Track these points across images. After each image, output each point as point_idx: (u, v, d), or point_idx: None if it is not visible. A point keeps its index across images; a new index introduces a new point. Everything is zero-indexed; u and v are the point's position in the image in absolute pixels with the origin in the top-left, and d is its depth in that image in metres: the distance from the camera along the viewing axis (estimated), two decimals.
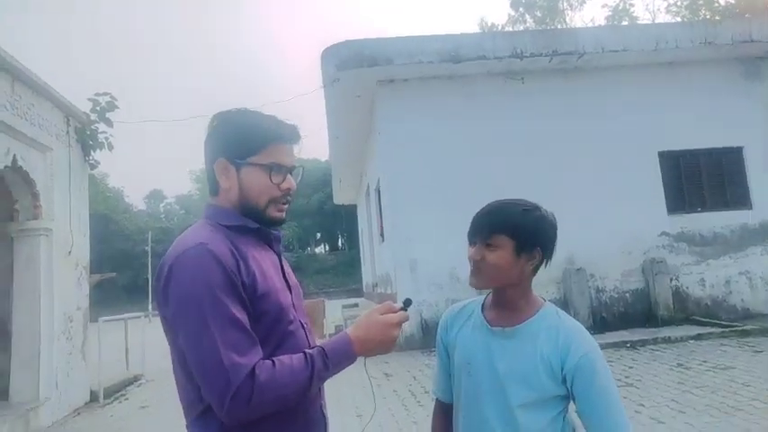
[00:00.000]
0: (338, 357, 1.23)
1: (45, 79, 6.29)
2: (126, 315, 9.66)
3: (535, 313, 1.40)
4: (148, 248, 38.14)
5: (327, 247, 59.46)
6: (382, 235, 11.94)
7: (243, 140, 1.33)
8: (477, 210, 1.45)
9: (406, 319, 1.32)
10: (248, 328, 1.18)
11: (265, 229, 1.37)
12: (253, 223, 1.34)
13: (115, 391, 7.81)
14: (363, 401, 5.77)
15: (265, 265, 1.31)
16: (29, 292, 6.16)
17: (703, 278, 9.55)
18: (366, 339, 1.27)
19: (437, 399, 1.62)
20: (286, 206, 1.39)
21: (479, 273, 1.39)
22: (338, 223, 48.56)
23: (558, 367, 1.33)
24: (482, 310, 1.48)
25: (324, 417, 1.39)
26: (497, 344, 1.40)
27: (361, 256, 21.02)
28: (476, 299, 1.55)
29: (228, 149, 1.33)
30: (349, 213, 30.21)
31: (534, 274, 1.43)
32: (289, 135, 1.37)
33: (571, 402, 1.38)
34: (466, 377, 1.44)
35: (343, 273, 42.58)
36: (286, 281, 1.38)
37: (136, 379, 8.80)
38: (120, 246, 38.30)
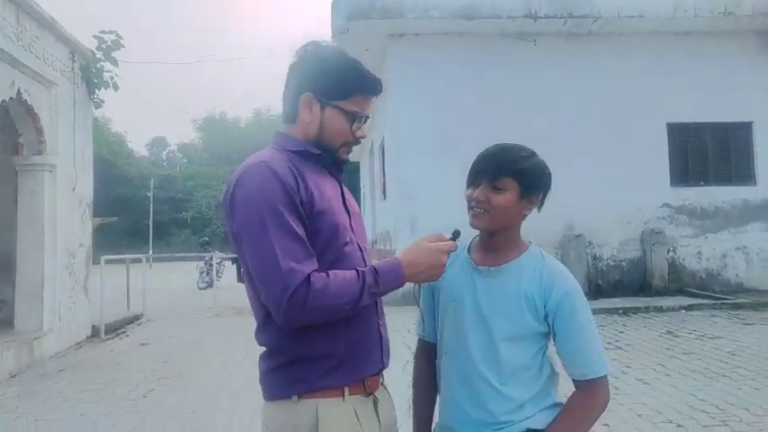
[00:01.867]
0: (388, 276, 1.27)
1: (51, 13, 6.19)
2: (128, 256, 9.78)
3: (521, 254, 1.43)
4: (150, 195, 38.19)
5: None
6: (384, 192, 11.96)
7: (334, 83, 1.37)
8: None
9: (455, 248, 1.34)
10: (305, 240, 1.25)
11: (327, 155, 1.42)
12: (314, 149, 1.40)
13: (116, 329, 7.99)
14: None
15: (323, 187, 1.36)
16: (33, 226, 6.24)
17: (700, 251, 9.62)
18: (415, 263, 1.30)
19: (421, 339, 1.63)
20: (351, 149, 1.47)
21: (484, 214, 1.40)
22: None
23: (540, 304, 1.36)
24: (468, 252, 1.50)
25: (381, 336, 1.42)
26: (482, 282, 1.43)
27: (362, 212, 21.07)
28: (463, 241, 1.53)
29: (318, 86, 1.37)
30: (351, 171, 30.12)
31: (524, 219, 1.46)
32: (375, 88, 1.43)
33: (551, 342, 1.42)
34: (451, 315, 1.47)
35: None
36: (345, 206, 1.44)
37: (136, 318, 8.99)
38: (121, 191, 38.30)
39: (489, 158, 1.42)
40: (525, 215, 1.44)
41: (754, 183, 9.78)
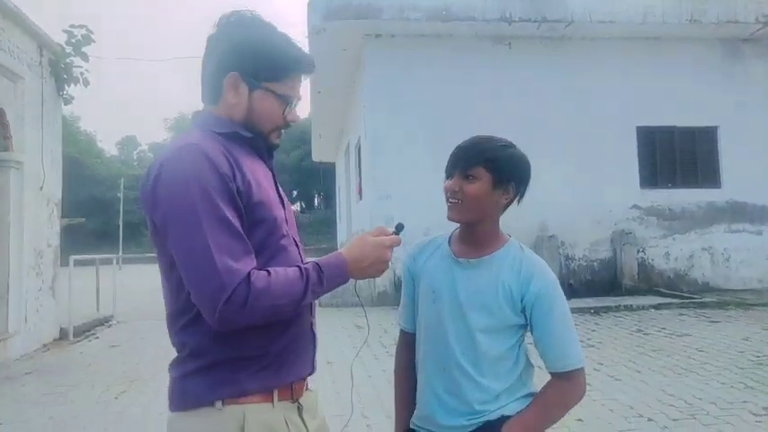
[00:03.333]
0: (332, 273, 1.20)
1: (18, 4, 6.02)
2: (97, 256, 9.57)
3: (500, 247, 1.44)
4: (120, 195, 37.46)
5: (304, 205, 59.25)
6: (360, 193, 11.95)
7: (265, 63, 1.26)
8: None
9: (398, 242, 1.30)
10: (243, 234, 1.13)
11: (260, 139, 1.31)
12: (246, 132, 1.28)
13: (85, 331, 7.80)
14: (333, 349, 5.90)
15: (258, 175, 1.25)
16: None
17: (668, 252, 9.87)
18: (359, 259, 1.24)
19: (402, 330, 1.64)
20: (282, 132, 1.36)
21: (459, 205, 1.42)
22: (315, 182, 48.24)
23: (518, 296, 1.38)
24: (449, 244, 1.52)
25: (314, 335, 1.36)
26: (462, 273, 1.44)
27: (337, 214, 21.06)
28: (443, 233, 1.58)
29: (246, 66, 1.25)
30: (326, 172, 30.03)
31: (503, 212, 1.48)
32: (307, 67, 1.32)
33: (528, 334, 1.43)
34: (430, 305, 1.48)
35: (318, 231, 42.57)
36: (280, 196, 1.33)
37: (106, 320, 8.80)
38: (91, 191, 37.47)
39: (462, 149, 1.44)
40: (503, 206, 1.45)
41: (719, 185, 10.08)
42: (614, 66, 9.91)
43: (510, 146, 1.46)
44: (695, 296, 8.75)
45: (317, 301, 1.37)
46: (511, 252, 1.44)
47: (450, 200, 1.43)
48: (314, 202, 58.24)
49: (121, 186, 37.80)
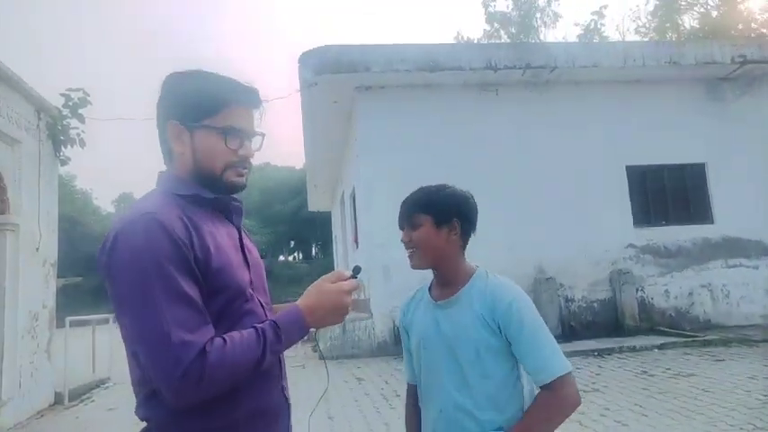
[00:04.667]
0: (290, 328, 1.16)
1: (17, 71, 6.18)
2: (93, 317, 9.44)
3: (468, 280, 1.52)
4: None
5: (301, 255, 59.04)
6: (356, 241, 11.96)
7: (197, 101, 1.23)
8: None
9: (357, 286, 1.29)
10: (199, 304, 1.09)
11: (223, 198, 1.28)
12: (208, 193, 1.25)
13: (81, 394, 7.62)
14: (335, 403, 5.77)
15: (221, 238, 1.21)
16: None
17: (668, 289, 9.83)
18: (317, 307, 1.21)
19: (407, 383, 1.70)
20: (246, 171, 1.29)
21: (415, 252, 1.53)
22: (312, 231, 48.26)
23: (491, 321, 1.43)
24: (429, 292, 1.61)
25: (286, 400, 1.31)
26: (442, 314, 1.52)
27: (335, 263, 20.97)
28: (423, 286, 1.68)
29: (181, 111, 1.23)
30: (323, 221, 30.12)
31: (463, 247, 1.57)
32: (248, 98, 1.28)
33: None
34: (423, 351, 1.55)
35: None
36: (245, 257, 1.29)
37: (102, 382, 8.60)
38: (86, 249, 37.25)
39: (404, 203, 1.59)
40: (458, 242, 1.53)
41: (712, 221, 10.16)
42: (599, 108, 10.16)
43: (444, 187, 1.60)
44: (698, 334, 8.66)
45: (287, 364, 1.35)
46: (479, 281, 1.51)
47: (407, 250, 1.55)
48: (311, 251, 58.10)
49: None
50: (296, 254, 59.89)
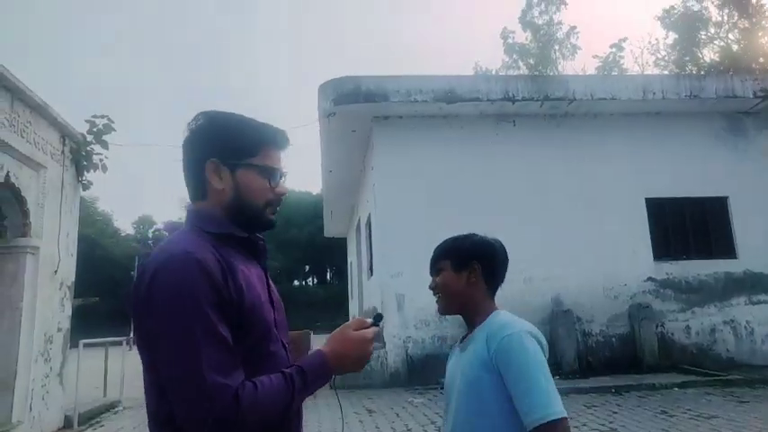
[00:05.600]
0: (315, 374, 1.19)
1: (44, 97, 6.36)
2: (107, 339, 9.49)
3: (483, 321, 1.54)
4: (134, 274, 37.55)
5: (316, 281, 59.01)
6: (371, 269, 11.93)
7: (237, 141, 1.28)
8: None
9: (379, 333, 1.33)
10: (232, 346, 1.11)
11: (254, 238, 1.32)
12: (241, 232, 1.28)
13: (90, 418, 7.59)
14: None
15: (252, 278, 1.24)
16: (10, 311, 6.06)
17: (689, 325, 9.59)
18: (342, 355, 1.23)
19: None
20: (278, 209, 1.35)
21: (441, 298, 1.59)
22: (328, 257, 48.34)
23: (487, 356, 1.42)
24: (462, 339, 1.65)
25: None
26: (461, 357, 1.56)
27: (349, 290, 20.91)
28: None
29: (222, 150, 1.27)
30: (339, 247, 30.13)
31: (490, 290, 1.59)
32: (281, 140, 1.35)
33: None
34: (447, 400, 1.59)
35: (332, 307, 42.11)
36: (271, 298, 1.31)
37: (113, 406, 8.58)
38: (105, 271, 37.75)
39: (432, 253, 1.66)
40: (479, 285, 1.56)
41: (735, 256, 9.94)
42: (618, 140, 10.10)
43: (470, 235, 1.66)
44: (720, 373, 8.39)
45: (303, 405, 1.33)
46: (488, 322, 1.52)
47: (435, 296, 1.61)
48: (326, 276, 58.06)
49: (135, 266, 38.00)
50: (311, 278, 59.90)
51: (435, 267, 1.62)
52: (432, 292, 1.63)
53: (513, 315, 1.54)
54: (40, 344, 6.47)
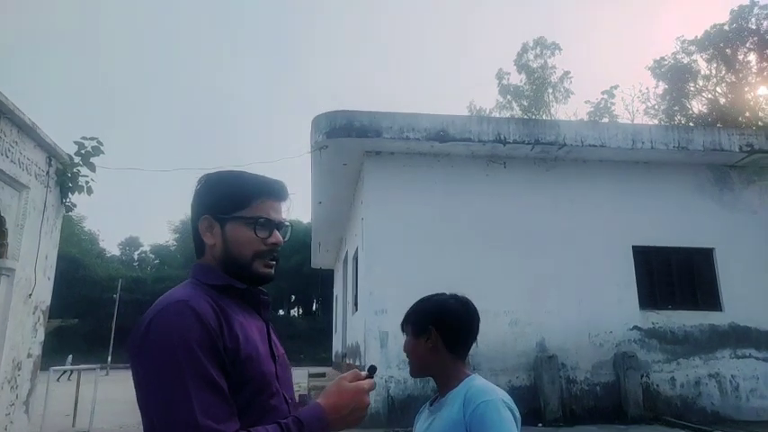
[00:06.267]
0: (312, 427, 1.17)
1: (32, 117, 6.31)
2: (80, 366, 9.22)
3: (456, 386, 1.55)
4: (117, 296, 36.99)
5: (301, 311, 58.35)
6: (356, 305, 11.78)
7: (228, 196, 1.32)
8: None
9: (374, 386, 1.30)
10: (227, 393, 1.11)
11: (253, 290, 1.33)
12: (239, 283, 1.30)
13: None
14: None
15: (250, 329, 1.25)
16: None
17: (674, 377, 9.48)
18: (339, 407, 1.22)
19: None
20: (274, 263, 1.35)
21: (409, 359, 1.62)
22: (314, 288, 47.91)
23: (462, 420, 1.44)
24: (431, 403, 1.66)
25: None
26: (432, 419, 1.56)
27: (333, 323, 20.65)
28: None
29: (213, 206, 1.32)
30: (326, 278, 29.89)
31: (456, 352, 1.59)
32: (275, 191, 1.36)
33: None
34: None
35: (316, 339, 41.52)
36: (272, 351, 1.31)
37: None
38: (86, 292, 37.08)
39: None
40: (440, 350, 1.57)
41: (721, 308, 9.92)
42: (607, 187, 10.18)
43: (434, 296, 1.65)
44: (705, 428, 8.24)
45: None
46: (464, 386, 1.52)
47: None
48: (312, 307, 57.44)
49: (118, 288, 37.42)
50: (296, 309, 59.23)
51: (403, 330, 1.64)
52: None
53: (488, 382, 1.54)
54: (8, 370, 6.25)
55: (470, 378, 1.55)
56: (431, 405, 1.62)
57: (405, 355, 1.64)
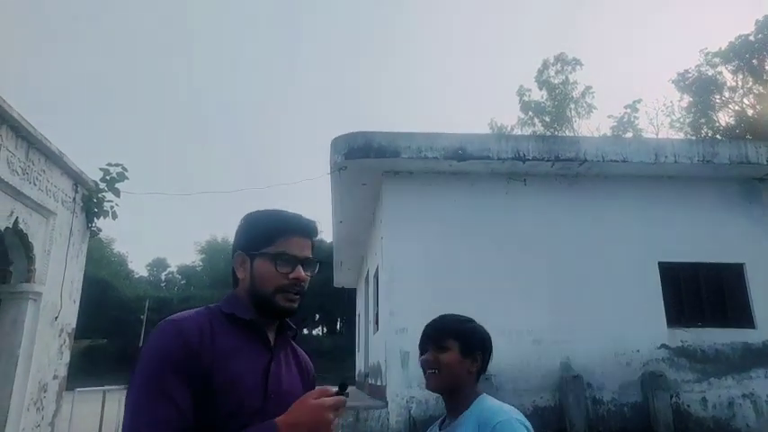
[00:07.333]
0: None
1: (58, 144, 6.53)
2: (104, 387, 9.36)
3: (469, 406, 1.58)
4: (144, 317, 37.57)
5: (325, 330, 58.31)
6: (377, 324, 11.74)
7: (258, 234, 1.41)
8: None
9: (343, 403, 1.27)
10: (183, 408, 1.17)
11: (256, 322, 1.37)
12: (247, 314, 1.37)
13: None
14: None
15: (242, 359, 1.29)
16: (7, 357, 6.02)
17: (705, 397, 9.17)
18: (296, 423, 1.21)
19: None
20: (297, 296, 1.40)
21: (435, 375, 1.61)
22: (338, 306, 47.91)
23: None
24: (441, 424, 1.69)
25: None
26: None
27: (356, 343, 20.58)
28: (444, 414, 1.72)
29: (246, 243, 1.42)
30: (349, 297, 29.90)
31: (477, 380, 1.65)
32: (300, 228, 1.43)
33: None
34: None
35: (341, 358, 41.38)
36: (266, 386, 1.32)
37: None
38: (115, 312, 37.70)
39: (432, 325, 1.68)
40: (474, 375, 1.62)
41: (753, 326, 9.59)
42: (630, 202, 10.00)
43: (471, 320, 1.70)
44: None
45: None
46: (476, 406, 1.55)
47: (428, 371, 1.63)
48: (336, 326, 57.38)
49: (146, 308, 38.02)
50: (321, 328, 59.22)
51: (439, 344, 1.62)
52: (423, 364, 1.64)
53: (498, 401, 1.59)
54: (34, 392, 6.38)
55: (481, 398, 1.59)
56: (440, 426, 1.64)
57: (424, 368, 1.66)
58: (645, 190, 10.08)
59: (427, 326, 1.70)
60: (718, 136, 17.63)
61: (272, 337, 1.42)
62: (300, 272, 1.39)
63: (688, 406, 9.11)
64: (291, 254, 1.38)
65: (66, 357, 7.24)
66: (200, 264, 52.49)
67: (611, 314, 9.29)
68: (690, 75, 20.10)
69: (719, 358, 9.37)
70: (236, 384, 1.24)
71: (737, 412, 9.11)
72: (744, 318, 9.68)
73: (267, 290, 1.37)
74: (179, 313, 1.32)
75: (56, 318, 6.79)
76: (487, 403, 1.56)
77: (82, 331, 7.63)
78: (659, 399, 8.84)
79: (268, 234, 1.39)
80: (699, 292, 9.84)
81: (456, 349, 1.60)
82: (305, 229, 1.44)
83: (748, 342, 9.46)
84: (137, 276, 50.87)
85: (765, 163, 9.72)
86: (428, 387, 1.65)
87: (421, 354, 1.68)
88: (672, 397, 9.01)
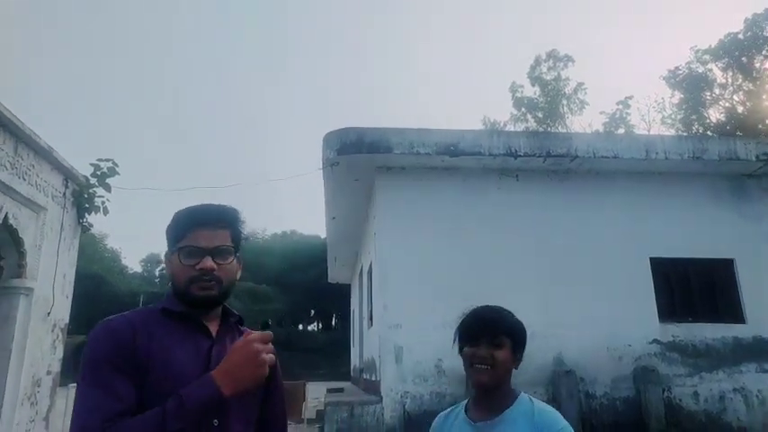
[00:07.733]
0: (194, 392, 1.25)
1: (48, 140, 6.49)
2: None
3: (512, 403, 1.58)
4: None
5: (320, 325, 58.36)
6: (371, 319, 11.77)
7: (170, 232, 1.50)
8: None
9: (269, 337, 1.34)
10: (119, 393, 1.26)
11: (188, 313, 1.44)
12: (177, 306, 1.45)
13: None
14: None
15: (182, 347, 1.38)
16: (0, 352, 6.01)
17: (697, 391, 9.25)
18: (228, 369, 1.28)
19: None
20: (213, 283, 1.43)
21: (489, 370, 1.57)
22: (333, 302, 47.92)
23: None
24: (465, 412, 1.66)
25: None
26: None
27: (351, 337, 20.62)
28: (460, 403, 1.72)
29: (167, 243, 1.52)
30: (344, 292, 29.94)
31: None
32: (205, 219, 1.47)
33: None
34: None
35: (335, 353, 41.42)
36: (209, 367, 1.38)
37: None
38: (109, 308, 37.59)
39: (486, 320, 1.63)
40: (514, 370, 1.63)
41: (744, 321, 9.67)
42: (621, 198, 10.05)
43: (512, 314, 1.70)
44: None
45: None
46: (523, 406, 1.56)
47: (478, 365, 1.58)
48: (331, 321, 57.45)
49: (140, 303, 37.88)
50: (316, 323, 59.26)
51: (494, 340, 1.59)
52: (471, 358, 1.60)
53: (534, 398, 1.62)
54: (28, 386, 6.37)
55: (523, 397, 1.60)
56: (473, 422, 1.59)
57: (479, 367, 1.61)
58: (636, 186, 10.13)
59: (478, 317, 1.65)
60: (708, 132, 17.74)
61: (215, 325, 1.48)
62: (207, 262, 1.42)
63: (680, 400, 9.19)
64: (196, 246, 1.43)
65: (60, 353, 7.23)
66: None
67: (604, 309, 9.34)
68: (680, 72, 20.21)
69: (710, 353, 9.45)
70: (176, 371, 1.32)
71: (728, 406, 9.20)
72: (734, 313, 9.77)
73: (181, 283, 1.44)
74: (115, 315, 1.42)
75: (48, 313, 6.77)
76: (538, 405, 1.57)
77: (77, 327, 7.62)
78: (651, 393, 8.91)
79: (177, 231, 1.47)
80: (690, 288, 9.91)
81: (509, 346, 1.60)
82: (207, 220, 1.46)
83: (739, 337, 9.55)
84: (131, 272, 50.76)
85: (754, 159, 9.79)
86: (477, 383, 1.59)
87: (468, 346, 1.62)
88: (664, 391, 9.09)
